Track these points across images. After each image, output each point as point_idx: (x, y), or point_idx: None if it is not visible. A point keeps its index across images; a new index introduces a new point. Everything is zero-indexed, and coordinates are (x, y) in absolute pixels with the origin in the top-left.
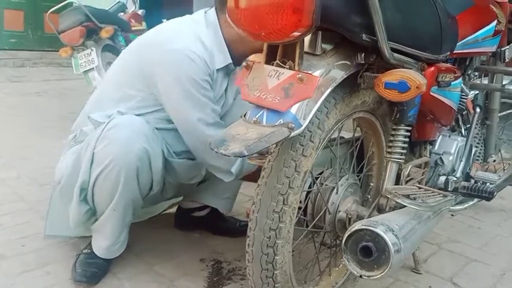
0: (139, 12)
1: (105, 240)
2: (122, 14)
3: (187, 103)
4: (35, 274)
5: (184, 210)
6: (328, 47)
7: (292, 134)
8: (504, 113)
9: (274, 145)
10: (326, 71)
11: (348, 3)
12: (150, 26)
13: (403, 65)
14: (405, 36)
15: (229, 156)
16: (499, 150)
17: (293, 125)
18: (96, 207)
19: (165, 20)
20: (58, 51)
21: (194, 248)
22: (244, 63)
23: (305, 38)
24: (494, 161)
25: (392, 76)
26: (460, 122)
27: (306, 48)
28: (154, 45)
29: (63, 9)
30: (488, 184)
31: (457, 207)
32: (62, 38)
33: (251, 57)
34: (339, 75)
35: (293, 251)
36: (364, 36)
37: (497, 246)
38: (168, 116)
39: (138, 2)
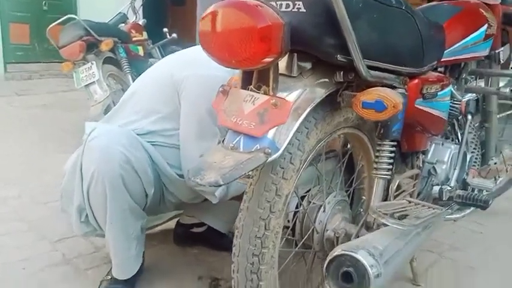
0: (140, 22)
1: (115, 258)
2: (122, 25)
3: (197, 128)
4: None
5: (183, 225)
6: (306, 66)
7: (269, 159)
8: (503, 114)
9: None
10: (303, 93)
11: (320, 25)
12: (151, 36)
13: (382, 82)
14: (381, 53)
15: (204, 185)
16: (501, 152)
17: (269, 150)
18: (100, 226)
19: (166, 30)
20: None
21: (192, 265)
22: (220, 88)
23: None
24: (495, 163)
25: (369, 95)
26: (456, 128)
27: (283, 70)
28: (191, 65)
29: (63, 23)
30: (484, 192)
31: (455, 215)
32: (62, 53)
33: (228, 82)
34: (318, 95)
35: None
36: (339, 57)
37: (499, 252)
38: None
39: (141, 12)
